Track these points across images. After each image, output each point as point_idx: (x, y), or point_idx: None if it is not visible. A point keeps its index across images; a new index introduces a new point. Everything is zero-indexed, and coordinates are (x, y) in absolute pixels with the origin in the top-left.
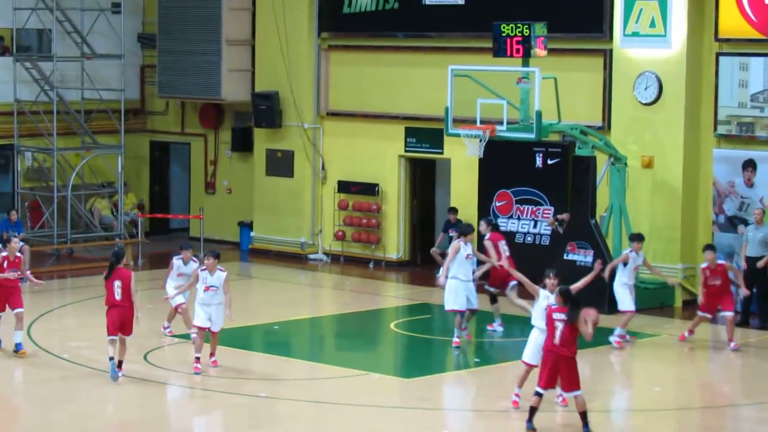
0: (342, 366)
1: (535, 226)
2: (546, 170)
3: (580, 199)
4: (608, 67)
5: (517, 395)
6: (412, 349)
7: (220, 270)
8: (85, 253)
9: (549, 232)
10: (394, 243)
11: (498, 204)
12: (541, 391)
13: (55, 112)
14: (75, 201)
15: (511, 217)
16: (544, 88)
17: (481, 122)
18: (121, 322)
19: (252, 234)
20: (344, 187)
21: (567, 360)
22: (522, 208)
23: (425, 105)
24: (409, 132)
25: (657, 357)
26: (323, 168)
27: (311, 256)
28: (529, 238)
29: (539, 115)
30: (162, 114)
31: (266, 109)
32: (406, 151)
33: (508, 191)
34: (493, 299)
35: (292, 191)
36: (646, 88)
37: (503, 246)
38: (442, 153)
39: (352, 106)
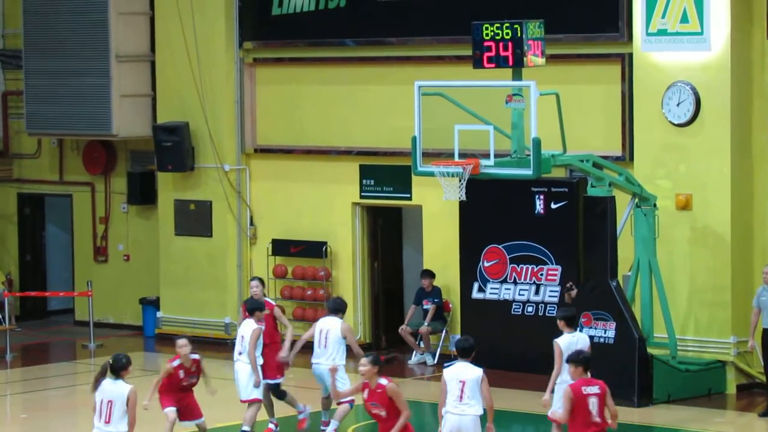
0: None
1: (537, 292)
2: (549, 217)
3: (596, 254)
4: (627, 78)
5: None
6: None
7: None
8: None
9: (556, 299)
10: (350, 321)
11: (487, 264)
12: None
13: None
14: None
15: (504, 281)
16: (543, 107)
17: (461, 156)
18: None
19: (159, 315)
20: (281, 247)
21: None
22: (519, 269)
23: (385, 135)
24: (365, 172)
25: None
26: (252, 223)
27: None
28: (530, 309)
29: (537, 143)
30: (33, 157)
31: (173, 147)
32: (361, 197)
33: (500, 247)
34: None
35: (211, 256)
36: (678, 104)
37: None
38: (410, 198)
39: (288, 140)
